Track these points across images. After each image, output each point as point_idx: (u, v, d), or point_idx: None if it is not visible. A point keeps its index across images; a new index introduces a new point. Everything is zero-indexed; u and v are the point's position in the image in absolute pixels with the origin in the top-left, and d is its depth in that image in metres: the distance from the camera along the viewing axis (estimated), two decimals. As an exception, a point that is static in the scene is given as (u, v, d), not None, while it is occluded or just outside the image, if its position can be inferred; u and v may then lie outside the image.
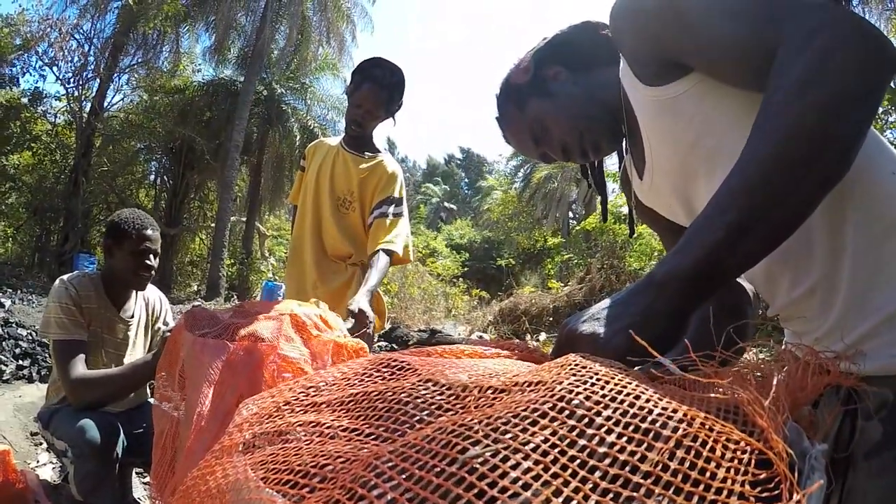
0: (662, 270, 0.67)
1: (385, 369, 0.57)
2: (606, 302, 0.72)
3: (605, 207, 1.38)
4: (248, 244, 19.51)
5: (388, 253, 2.48)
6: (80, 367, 2.15)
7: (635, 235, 11.30)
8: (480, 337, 7.45)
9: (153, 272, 2.41)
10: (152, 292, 2.64)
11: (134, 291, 2.49)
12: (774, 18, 0.69)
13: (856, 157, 0.64)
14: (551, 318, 10.10)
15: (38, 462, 2.97)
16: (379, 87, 2.46)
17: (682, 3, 0.79)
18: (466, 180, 50.41)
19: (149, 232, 2.35)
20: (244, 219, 20.26)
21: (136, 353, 2.49)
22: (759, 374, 0.44)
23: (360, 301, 2.22)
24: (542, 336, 7.49)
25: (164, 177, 19.99)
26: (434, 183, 46.82)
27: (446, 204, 42.46)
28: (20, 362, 4.68)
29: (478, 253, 27.36)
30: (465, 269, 21.59)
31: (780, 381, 0.41)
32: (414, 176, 51.58)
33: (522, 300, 11.33)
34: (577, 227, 12.54)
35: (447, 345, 0.74)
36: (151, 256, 2.37)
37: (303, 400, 0.59)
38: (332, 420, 0.51)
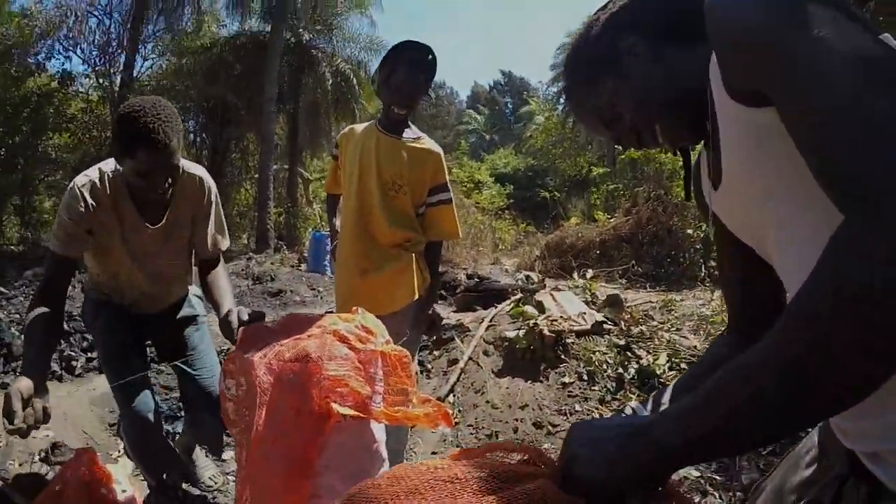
0: (661, 430, 0.66)
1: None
2: (615, 423, 0.72)
3: (688, 185, 1.12)
4: (292, 192, 19.74)
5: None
6: (46, 294, 1.97)
7: (681, 163, 10.89)
8: (527, 278, 7.47)
9: (168, 189, 2.06)
10: (193, 176, 2.24)
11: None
12: (863, 151, 0.55)
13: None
14: (598, 252, 10.04)
15: (119, 452, 3.13)
16: (416, 70, 2.49)
17: (800, 54, 0.61)
18: (510, 107, 49.35)
19: (155, 155, 1.87)
20: (286, 166, 20.43)
21: (168, 253, 2.29)
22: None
23: (436, 308, 2.71)
24: (590, 273, 7.45)
25: (203, 135, 20.16)
26: (477, 111, 46.05)
27: (488, 135, 41.88)
28: (89, 354, 4.78)
29: (522, 181, 27.04)
30: (511, 200, 21.44)
31: None
32: (454, 104, 50.70)
33: (569, 234, 11.27)
34: (623, 157, 12.23)
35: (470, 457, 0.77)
36: (163, 182, 1.98)
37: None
38: None
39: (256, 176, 18.47)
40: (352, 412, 1.51)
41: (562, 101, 26.52)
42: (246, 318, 1.83)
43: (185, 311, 2.57)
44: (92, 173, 2.08)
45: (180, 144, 1.94)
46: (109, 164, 2.11)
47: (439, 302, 5.73)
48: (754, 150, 0.76)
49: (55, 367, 4.52)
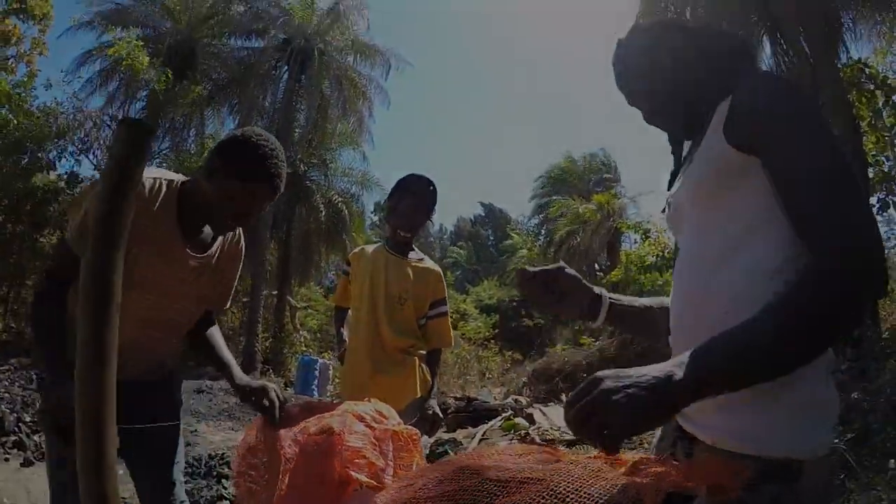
0: (684, 375, 0.85)
1: (461, 473, 0.88)
2: (638, 373, 0.85)
3: (673, 179, 1.29)
4: (279, 317, 19.81)
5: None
6: (55, 283, 1.78)
7: (661, 283, 11.28)
8: (516, 401, 7.62)
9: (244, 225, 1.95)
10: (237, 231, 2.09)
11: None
12: (830, 224, 0.89)
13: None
14: (585, 375, 10.06)
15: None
16: (420, 199, 2.94)
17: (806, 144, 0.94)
18: (492, 238, 50.74)
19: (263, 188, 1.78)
20: (275, 292, 20.63)
21: (188, 301, 2.00)
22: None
23: (434, 405, 2.88)
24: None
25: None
26: (460, 247, 47.49)
27: (472, 267, 42.86)
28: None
29: (507, 312, 27.40)
30: (496, 330, 21.65)
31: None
32: (440, 240, 52.16)
33: (555, 359, 11.44)
34: (605, 280, 12.68)
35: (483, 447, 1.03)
36: (243, 222, 1.90)
37: (420, 495, 0.91)
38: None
39: (244, 300, 18.64)
40: (367, 480, 1.70)
41: (543, 233, 27.48)
42: (283, 398, 2.00)
43: (168, 401, 2.22)
44: (147, 172, 1.79)
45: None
46: (165, 174, 1.89)
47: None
48: (706, 168, 1.06)
49: (30, 454, 4.72)
